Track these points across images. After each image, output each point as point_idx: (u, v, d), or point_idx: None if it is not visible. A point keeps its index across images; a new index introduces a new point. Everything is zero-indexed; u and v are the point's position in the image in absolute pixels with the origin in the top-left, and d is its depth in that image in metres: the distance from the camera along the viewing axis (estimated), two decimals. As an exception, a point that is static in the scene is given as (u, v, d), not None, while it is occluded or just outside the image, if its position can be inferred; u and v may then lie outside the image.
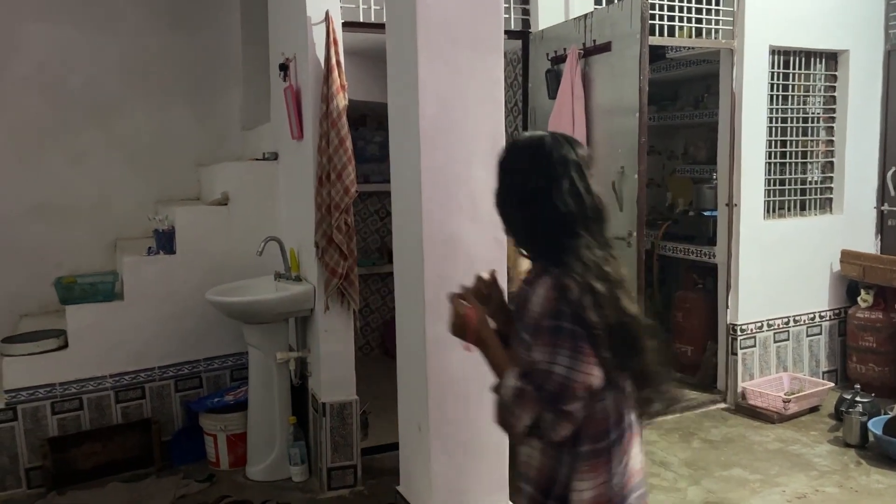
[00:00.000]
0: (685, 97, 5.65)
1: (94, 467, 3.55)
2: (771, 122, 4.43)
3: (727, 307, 4.41)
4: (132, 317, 3.67)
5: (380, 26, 3.13)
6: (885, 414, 3.83)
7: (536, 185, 1.53)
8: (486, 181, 2.54)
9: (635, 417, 1.59)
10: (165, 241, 3.79)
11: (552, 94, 3.56)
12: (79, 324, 3.56)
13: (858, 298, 4.53)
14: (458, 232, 2.51)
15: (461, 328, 1.65)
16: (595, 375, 1.44)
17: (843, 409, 3.94)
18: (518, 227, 1.62)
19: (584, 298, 1.42)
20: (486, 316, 1.67)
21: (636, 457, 1.58)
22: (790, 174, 4.58)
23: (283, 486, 3.47)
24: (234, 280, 3.71)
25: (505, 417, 1.51)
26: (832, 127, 4.70)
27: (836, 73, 4.67)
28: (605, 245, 1.53)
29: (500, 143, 2.57)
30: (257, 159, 4.07)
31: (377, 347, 5.53)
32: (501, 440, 2.66)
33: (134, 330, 3.67)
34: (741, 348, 4.39)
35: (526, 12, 3.99)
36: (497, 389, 1.53)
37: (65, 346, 3.55)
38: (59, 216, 4.22)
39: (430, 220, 2.47)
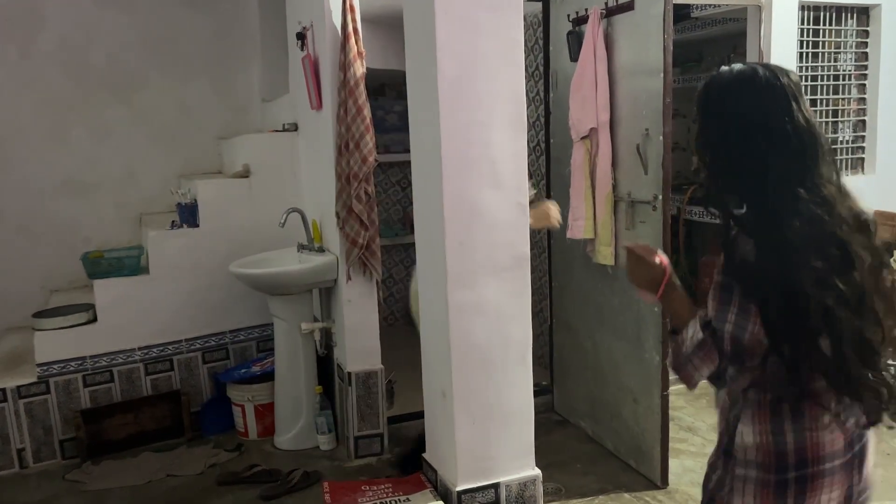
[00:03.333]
0: (711, 58, 5.51)
1: (126, 438, 3.62)
2: (801, 80, 4.30)
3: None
4: (158, 290, 3.71)
5: (396, -9, 3.08)
6: (918, 377, 3.75)
7: (760, 121, 1.35)
8: (507, 146, 2.51)
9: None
10: (189, 215, 3.81)
11: (574, 56, 3.48)
12: (107, 298, 3.61)
13: (892, 260, 4.42)
14: (479, 198, 2.49)
15: (651, 278, 1.61)
16: (755, 335, 1.36)
17: (876, 372, 3.88)
18: (724, 176, 1.42)
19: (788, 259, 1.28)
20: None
21: (824, 430, 1.40)
22: (820, 134, 4.46)
23: (311, 455, 3.50)
24: (257, 252, 3.73)
25: (684, 366, 1.51)
26: (864, 84, 4.56)
27: (868, 28, 4.51)
28: (829, 179, 1.36)
29: (522, 106, 2.54)
30: (277, 131, 4.06)
31: (402, 318, 5.54)
32: (525, 405, 2.65)
33: (160, 303, 3.71)
34: (770, 313, 4.32)
35: (546, -27, 3.90)
36: (677, 336, 1.53)
37: (94, 319, 3.60)
38: (86, 192, 4.27)
39: (451, 186, 2.45)
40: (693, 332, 1.49)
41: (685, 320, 1.54)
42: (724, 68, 1.46)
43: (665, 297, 1.60)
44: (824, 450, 1.41)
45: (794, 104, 1.36)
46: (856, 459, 1.44)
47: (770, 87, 1.37)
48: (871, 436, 1.48)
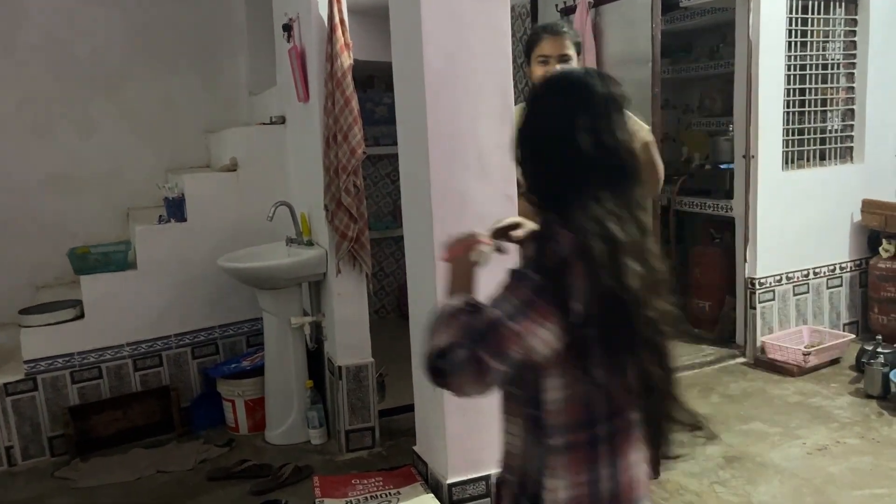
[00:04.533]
0: (699, 48, 5.51)
1: (115, 434, 3.59)
2: (789, 70, 4.31)
3: (745, 261, 4.35)
4: (146, 285, 3.68)
5: (383, -19, 3.05)
6: (907, 364, 3.78)
7: (558, 123, 1.30)
8: (494, 137, 2.50)
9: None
10: (176, 209, 3.78)
11: (562, 47, 3.48)
12: (94, 293, 3.58)
13: (880, 249, 4.44)
14: (467, 190, 2.48)
15: (458, 245, 1.46)
16: (540, 338, 1.20)
17: (865, 360, 3.89)
18: (529, 171, 1.38)
19: (572, 257, 1.20)
20: (487, 249, 1.47)
21: (637, 465, 1.32)
22: (809, 123, 4.47)
23: (302, 449, 3.49)
24: (245, 246, 3.71)
25: (430, 331, 1.33)
26: (852, 73, 4.56)
27: (857, 17, 4.51)
28: (626, 202, 1.27)
29: (509, 97, 2.52)
30: (265, 124, 4.03)
31: (393, 311, 5.53)
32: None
33: (149, 298, 3.68)
34: (760, 302, 4.34)
35: (534, -37, 3.88)
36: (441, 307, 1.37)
37: (81, 315, 3.57)
38: (72, 187, 4.23)
39: (438, 178, 2.44)
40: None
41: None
42: (562, 68, 1.42)
43: (454, 266, 1.45)
44: (639, 490, 1.32)
45: (602, 121, 1.28)
46: None
47: (587, 99, 1.30)
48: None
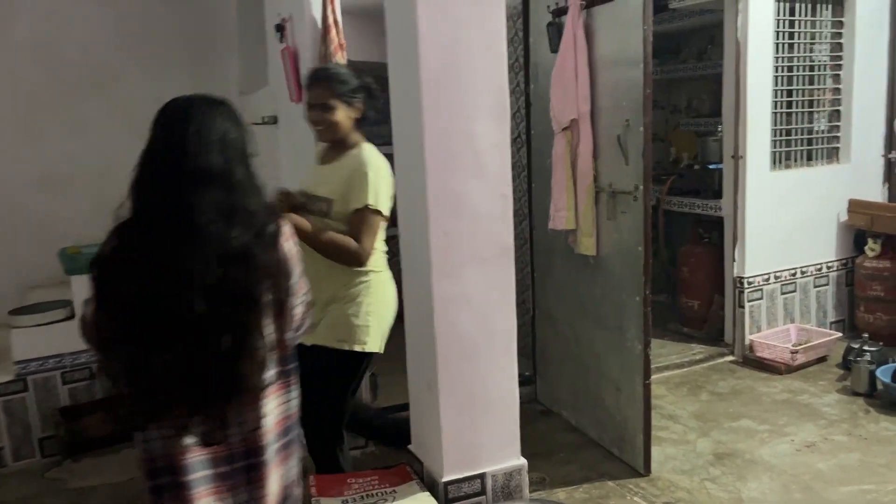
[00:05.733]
0: (688, 49, 5.56)
1: (106, 435, 3.57)
2: (777, 71, 4.36)
3: (734, 260, 4.39)
4: (138, 285, 3.65)
5: (376, -18, 3.06)
6: (893, 362, 3.83)
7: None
8: (489, 136, 2.52)
9: (217, 470, 1.59)
10: (168, 209, 3.76)
11: (554, 47, 3.49)
12: (85, 294, 3.53)
13: (866, 248, 4.50)
14: (463, 188, 2.49)
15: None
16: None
17: (851, 358, 3.95)
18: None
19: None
20: None
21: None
22: (796, 124, 4.52)
23: (296, 449, 3.49)
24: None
25: None
26: (839, 75, 4.63)
27: (843, 18, 4.57)
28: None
29: (505, 96, 2.54)
30: (257, 124, 4.01)
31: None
32: (510, 395, 2.67)
33: (140, 299, 3.66)
34: (748, 301, 4.38)
35: (525, -35, 3.89)
36: None
37: (72, 316, 3.56)
38: (63, 187, 4.20)
39: (434, 177, 2.44)
40: None
41: None
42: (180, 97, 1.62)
43: None
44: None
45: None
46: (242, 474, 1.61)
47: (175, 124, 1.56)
48: (273, 454, 1.63)
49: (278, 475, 1.67)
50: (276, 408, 1.67)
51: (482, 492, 2.62)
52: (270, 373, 1.62)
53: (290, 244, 1.65)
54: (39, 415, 3.46)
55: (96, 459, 3.46)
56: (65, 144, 4.19)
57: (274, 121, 3.90)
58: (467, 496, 2.60)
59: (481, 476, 2.61)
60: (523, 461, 2.71)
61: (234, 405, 1.55)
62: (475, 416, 2.60)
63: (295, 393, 1.74)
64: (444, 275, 2.49)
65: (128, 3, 4.31)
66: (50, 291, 3.91)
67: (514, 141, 4.01)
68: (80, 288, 3.53)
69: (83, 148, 4.23)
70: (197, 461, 1.57)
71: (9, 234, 4.04)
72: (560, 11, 3.46)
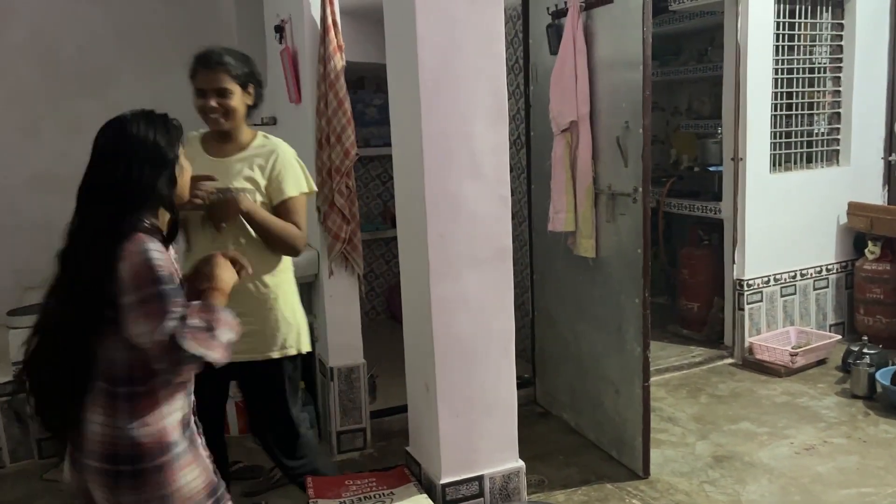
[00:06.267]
0: (688, 51, 5.55)
1: (104, 436, 3.56)
2: (776, 73, 4.36)
3: (733, 262, 4.39)
4: (136, 286, 3.64)
5: (376, -17, 3.05)
6: (892, 365, 3.82)
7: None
8: (488, 138, 2.51)
9: None
10: (166, 210, 3.76)
11: (554, 49, 3.49)
12: (83, 295, 3.54)
13: (866, 250, 4.50)
14: (460, 190, 2.48)
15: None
16: None
17: (851, 360, 3.94)
18: None
19: None
20: None
21: None
22: (796, 126, 4.52)
23: (294, 450, 3.48)
24: (236, 247, 3.69)
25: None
26: (839, 77, 4.62)
27: (843, 21, 4.57)
28: None
29: (503, 98, 2.53)
30: (255, 125, 3.98)
31: (383, 312, 5.53)
32: (509, 397, 2.66)
33: (138, 299, 3.65)
34: (748, 303, 4.38)
35: (525, -34, 3.89)
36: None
37: (70, 317, 3.54)
38: (60, 187, 4.12)
39: (432, 178, 2.44)
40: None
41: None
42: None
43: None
44: None
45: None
46: None
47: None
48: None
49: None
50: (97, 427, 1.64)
51: (480, 494, 2.61)
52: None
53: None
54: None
55: (94, 461, 3.45)
56: (62, 144, 4.17)
57: (273, 121, 3.90)
58: (465, 498, 2.59)
59: (479, 478, 2.61)
60: (522, 463, 2.70)
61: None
62: (473, 417, 2.59)
63: (131, 422, 1.62)
64: (441, 276, 2.49)
65: (126, 3, 4.30)
66: (48, 292, 3.90)
67: (513, 143, 4.00)
68: (79, 289, 3.53)
69: (81, 148, 4.14)
70: None
71: (6, 234, 4.04)
72: (559, 13, 3.46)
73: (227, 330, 1.62)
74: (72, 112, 4.19)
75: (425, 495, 2.56)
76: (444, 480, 2.56)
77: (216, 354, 1.58)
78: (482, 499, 2.62)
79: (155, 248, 1.59)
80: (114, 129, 1.69)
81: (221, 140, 2.42)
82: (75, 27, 4.18)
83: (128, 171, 1.63)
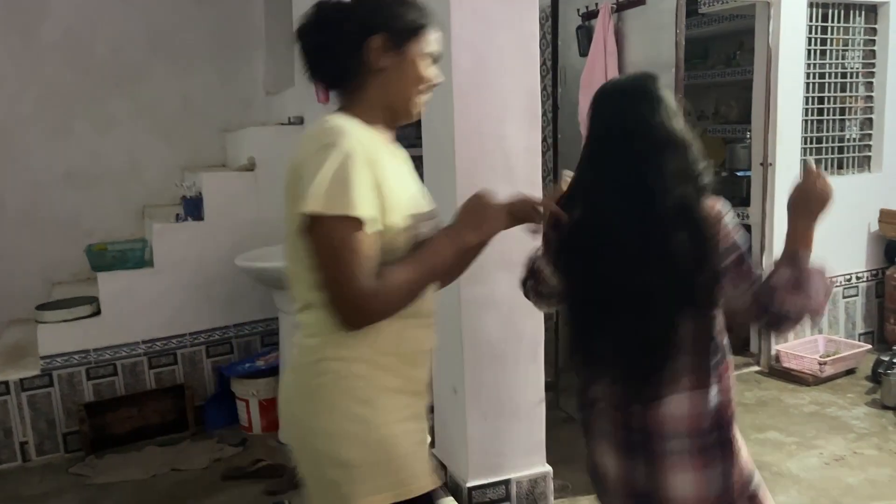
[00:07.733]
0: (716, 55, 5.50)
1: (129, 432, 3.59)
2: (808, 77, 4.30)
3: (762, 269, 4.32)
4: (162, 283, 3.68)
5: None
6: (924, 376, 3.75)
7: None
8: (521, 140, 2.49)
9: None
10: (193, 208, 3.79)
11: (583, 51, 3.47)
12: (110, 290, 3.58)
13: (897, 259, 4.43)
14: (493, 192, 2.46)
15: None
16: None
17: (881, 370, 3.87)
18: None
19: None
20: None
21: None
22: (827, 132, 4.45)
23: (317, 450, 3.48)
24: (262, 245, 3.69)
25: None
26: (871, 82, 4.55)
27: (876, 25, 4.50)
28: None
29: (536, 99, 2.52)
30: (283, 124, 4.03)
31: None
32: (537, 401, 2.64)
33: (164, 296, 3.68)
34: (775, 311, 4.31)
35: (555, -32, 3.87)
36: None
37: (97, 312, 3.58)
38: (89, 184, 4.24)
39: (464, 180, 2.43)
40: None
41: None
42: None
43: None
44: None
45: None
46: None
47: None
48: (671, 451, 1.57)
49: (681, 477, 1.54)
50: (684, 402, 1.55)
51: (507, 498, 2.59)
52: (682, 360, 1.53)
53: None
54: (64, 410, 3.48)
55: (120, 456, 3.47)
56: (92, 142, 4.23)
57: (300, 121, 3.91)
58: (492, 502, 2.58)
59: (506, 482, 2.59)
60: (548, 468, 2.68)
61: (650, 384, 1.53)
62: (501, 421, 2.57)
63: (714, 391, 1.56)
64: (471, 278, 2.46)
65: (157, 2, 4.34)
66: (76, 287, 3.95)
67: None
68: (106, 284, 3.56)
69: (110, 145, 4.27)
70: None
71: (36, 230, 4.09)
72: (590, 15, 3.44)
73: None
74: (103, 110, 4.24)
75: (451, 498, 2.55)
76: (470, 483, 2.54)
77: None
78: (508, 502, 2.60)
79: None
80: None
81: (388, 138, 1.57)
82: (108, 27, 4.23)
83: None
